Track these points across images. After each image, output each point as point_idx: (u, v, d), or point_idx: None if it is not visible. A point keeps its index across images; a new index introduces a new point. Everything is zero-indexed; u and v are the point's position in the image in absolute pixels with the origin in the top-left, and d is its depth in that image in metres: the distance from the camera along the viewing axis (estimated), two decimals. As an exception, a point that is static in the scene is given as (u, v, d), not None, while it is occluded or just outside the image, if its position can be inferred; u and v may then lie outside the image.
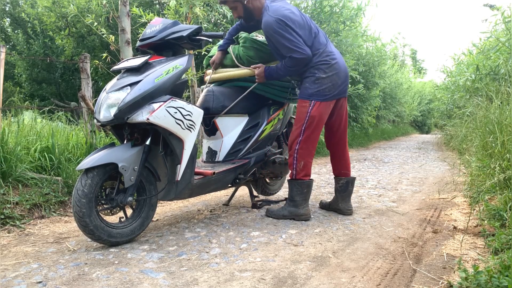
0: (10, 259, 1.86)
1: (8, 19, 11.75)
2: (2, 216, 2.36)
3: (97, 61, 4.48)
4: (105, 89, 2.13)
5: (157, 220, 2.61)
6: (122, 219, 2.14)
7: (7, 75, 11.30)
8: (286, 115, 3.05)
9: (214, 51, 2.96)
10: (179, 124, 2.12)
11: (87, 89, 3.83)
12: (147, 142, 2.11)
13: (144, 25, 4.30)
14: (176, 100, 2.13)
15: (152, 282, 1.61)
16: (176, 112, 2.10)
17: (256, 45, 2.69)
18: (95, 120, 2.13)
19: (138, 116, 2.00)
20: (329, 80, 2.50)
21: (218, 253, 1.96)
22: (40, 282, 1.60)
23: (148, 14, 4.28)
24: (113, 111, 2.00)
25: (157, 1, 8.51)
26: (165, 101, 2.07)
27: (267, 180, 3.20)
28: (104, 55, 4.35)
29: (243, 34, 2.76)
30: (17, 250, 2.01)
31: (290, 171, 2.61)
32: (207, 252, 1.97)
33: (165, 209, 2.96)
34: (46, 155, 3.00)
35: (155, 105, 2.03)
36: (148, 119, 1.99)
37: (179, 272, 1.73)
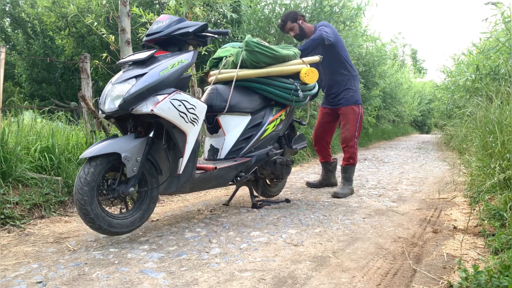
0: (10, 259, 1.86)
1: (8, 19, 11.74)
2: (2, 216, 2.36)
3: (97, 61, 4.47)
4: (111, 81, 2.15)
5: (157, 220, 2.61)
6: (123, 210, 2.15)
7: (7, 75, 11.30)
8: (288, 116, 3.05)
9: (219, 53, 2.97)
10: (183, 117, 2.13)
11: (87, 89, 3.83)
12: (150, 135, 2.12)
13: (144, 25, 4.29)
14: (181, 93, 2.15)
15: (152, 282, 1.61)
16: (180, 105, 2.11)
17: (258, 48, 2.70)
18: (99, 112, 2.15)
19: (143, 107, 2.02)
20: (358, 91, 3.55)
21: (218, 253, 1.96)
22: (40, 282, 1.60)
23: (148, 14, 4.27)
24: (118, 102, 2.01)
25: (157, 1, 8.52)
26: (170, 94, 2.09)
27: (267, 181, 3.20)
28: (104, 55, 4.34)
29: (246, 38, 2.77)
30: (17, 250, 2.01)
31: (351, 159, 3.44)
32: (207, 252, 1.97)
33: (165, 209, 2.97)
34: (46, 155, 2.99)
35: (160, 97, 2.05)
36: (152, 110, 2.01)
37: (179, 272, 1.73)
